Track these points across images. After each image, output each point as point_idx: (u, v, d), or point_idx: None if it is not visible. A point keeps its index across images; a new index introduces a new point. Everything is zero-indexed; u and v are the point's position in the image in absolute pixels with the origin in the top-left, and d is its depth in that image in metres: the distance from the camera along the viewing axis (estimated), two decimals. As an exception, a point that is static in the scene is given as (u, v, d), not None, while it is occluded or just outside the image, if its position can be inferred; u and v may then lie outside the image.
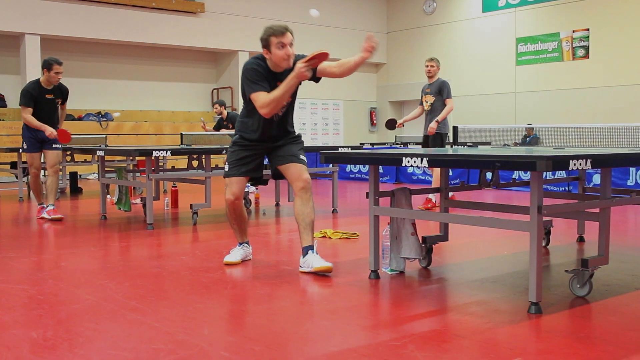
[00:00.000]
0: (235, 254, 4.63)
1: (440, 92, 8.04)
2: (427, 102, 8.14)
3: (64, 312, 3.41)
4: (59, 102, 7.23)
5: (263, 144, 4.42)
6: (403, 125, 8.29)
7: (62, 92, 7.21)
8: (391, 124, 8.39)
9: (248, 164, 4.41)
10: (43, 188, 7.63)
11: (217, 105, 11.16)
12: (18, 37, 14.56)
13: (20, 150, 8.84)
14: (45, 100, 7.07)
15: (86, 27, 14.92)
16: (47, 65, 6.95)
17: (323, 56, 4.04)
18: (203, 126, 11.43)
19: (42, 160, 7.44)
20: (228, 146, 4.61)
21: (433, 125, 7.96)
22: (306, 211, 4.25)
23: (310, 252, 4.26)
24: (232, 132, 10.57)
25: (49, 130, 6.99)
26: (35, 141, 7.21)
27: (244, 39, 17.26)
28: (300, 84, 4.19)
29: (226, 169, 4.45)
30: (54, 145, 7.25)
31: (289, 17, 17.81)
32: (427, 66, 8.14)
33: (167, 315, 3.28)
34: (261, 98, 4.11)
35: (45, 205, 7.33)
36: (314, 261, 4.21)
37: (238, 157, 4.40)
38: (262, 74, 4.18)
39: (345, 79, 20.27)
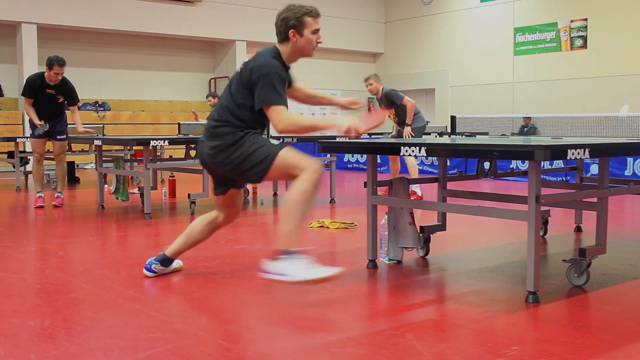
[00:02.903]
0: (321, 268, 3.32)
1: (392, 102, 7.95)
2: (389, 116, 8.17)
3: (62, 301, 3.41)
4: (61, 99, 7.30)
5: None
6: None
7: (64, 90, 7.25)
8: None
9: None
10: (44, 177, 7.81)
11: (210, 98, 11.22)
12: (14, 26, 14.47)
13: (28, 135, 9.04)
14: (45, 94, 7.16)
15: (83, 16, 14.83)
16: (48, 63, 7.04)
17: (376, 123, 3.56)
18: (195, 117, 11.47)
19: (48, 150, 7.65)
20: (244, 138, 3.47)
21: (407, 130, 7.95)
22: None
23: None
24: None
25: (37, 122, 7.21)
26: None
27: (242, 28, 17.18)
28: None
29: (274, 141, 3.54)
30: (58, 137, 7.41)
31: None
32: (367, 86, 8.00)
33: (165, 305, 3.28)
34: (285, 114, 3.37)
35: (43, 195, 7.41)
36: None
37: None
38: (284, 78, 3.52)
39: (344, 69, 20.26)
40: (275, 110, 3.38)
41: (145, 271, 3.88)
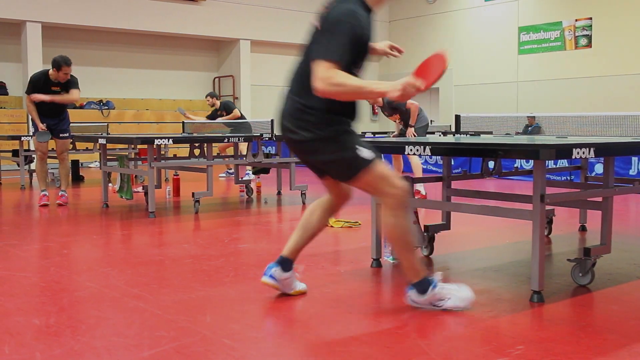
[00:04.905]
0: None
1: (395, 107, 7.99)
2: (395, 121, 8.22)
3: (67, 299, 3.41)
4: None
5: None
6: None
7: (68, 85, 7.26)
8: None
9: None
10: (48, 176, 7.83)
11: (208, 98, 11.31)
12: (19, 25, 14.50)
13: (31, 133, 9.07)
14: (50, 91, 7.19)
15: (87, 15, 14.86)
16: (56, 65, 7.02)
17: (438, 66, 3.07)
18: (185, 115, 11.52)
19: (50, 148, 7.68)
20: (333, 133, 3.04)
21: (410, 130, 7.95)
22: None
23: None
24: (227, 119, 10.60)
25: (40, 125, 7.24)
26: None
27: (246, 27, 17.18)
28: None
29: (366, 154, 3.03)
30: (61, 135, 7.46)
31: (290, 4, 17.74)
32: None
33: (169, 303, 3.28)
34: (332, 73, 2.80)
35: (47, 193, 7.43)
36: None
37: (361, 139, 3.19)
38: (365, 29, 2.96)
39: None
40: (322, 65, 2.82)
41: (265, 279, 3.36)
